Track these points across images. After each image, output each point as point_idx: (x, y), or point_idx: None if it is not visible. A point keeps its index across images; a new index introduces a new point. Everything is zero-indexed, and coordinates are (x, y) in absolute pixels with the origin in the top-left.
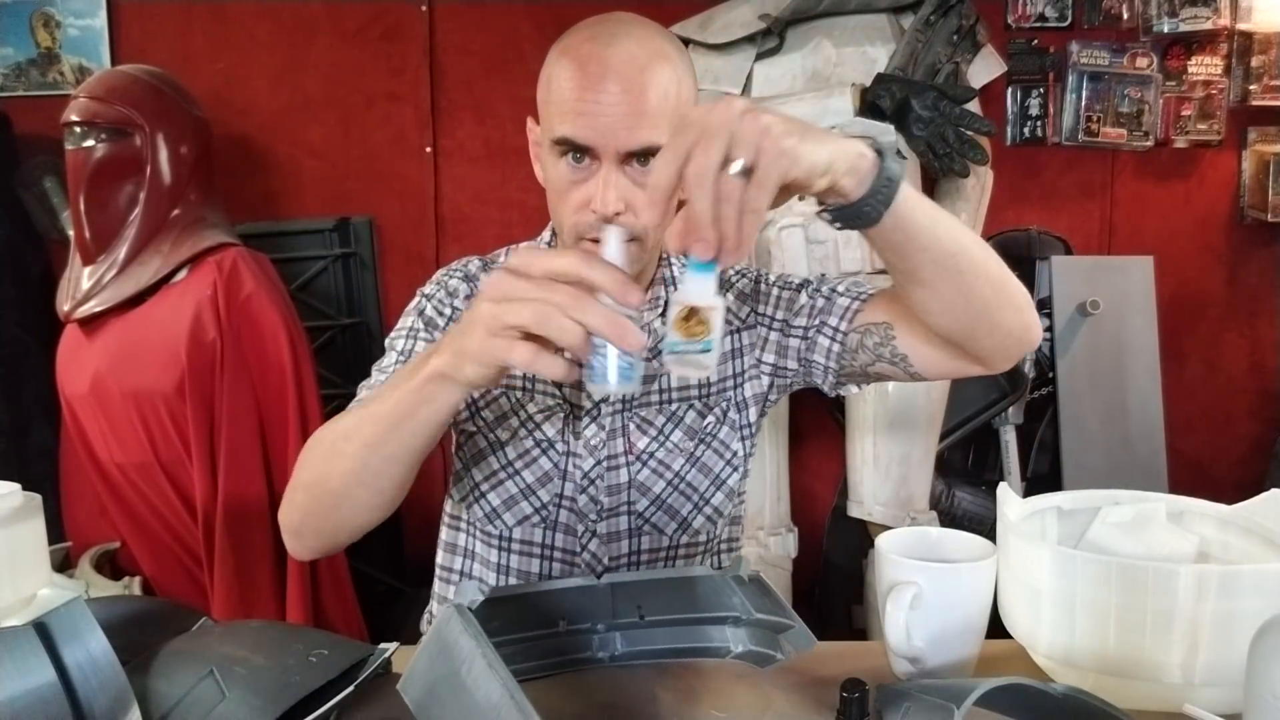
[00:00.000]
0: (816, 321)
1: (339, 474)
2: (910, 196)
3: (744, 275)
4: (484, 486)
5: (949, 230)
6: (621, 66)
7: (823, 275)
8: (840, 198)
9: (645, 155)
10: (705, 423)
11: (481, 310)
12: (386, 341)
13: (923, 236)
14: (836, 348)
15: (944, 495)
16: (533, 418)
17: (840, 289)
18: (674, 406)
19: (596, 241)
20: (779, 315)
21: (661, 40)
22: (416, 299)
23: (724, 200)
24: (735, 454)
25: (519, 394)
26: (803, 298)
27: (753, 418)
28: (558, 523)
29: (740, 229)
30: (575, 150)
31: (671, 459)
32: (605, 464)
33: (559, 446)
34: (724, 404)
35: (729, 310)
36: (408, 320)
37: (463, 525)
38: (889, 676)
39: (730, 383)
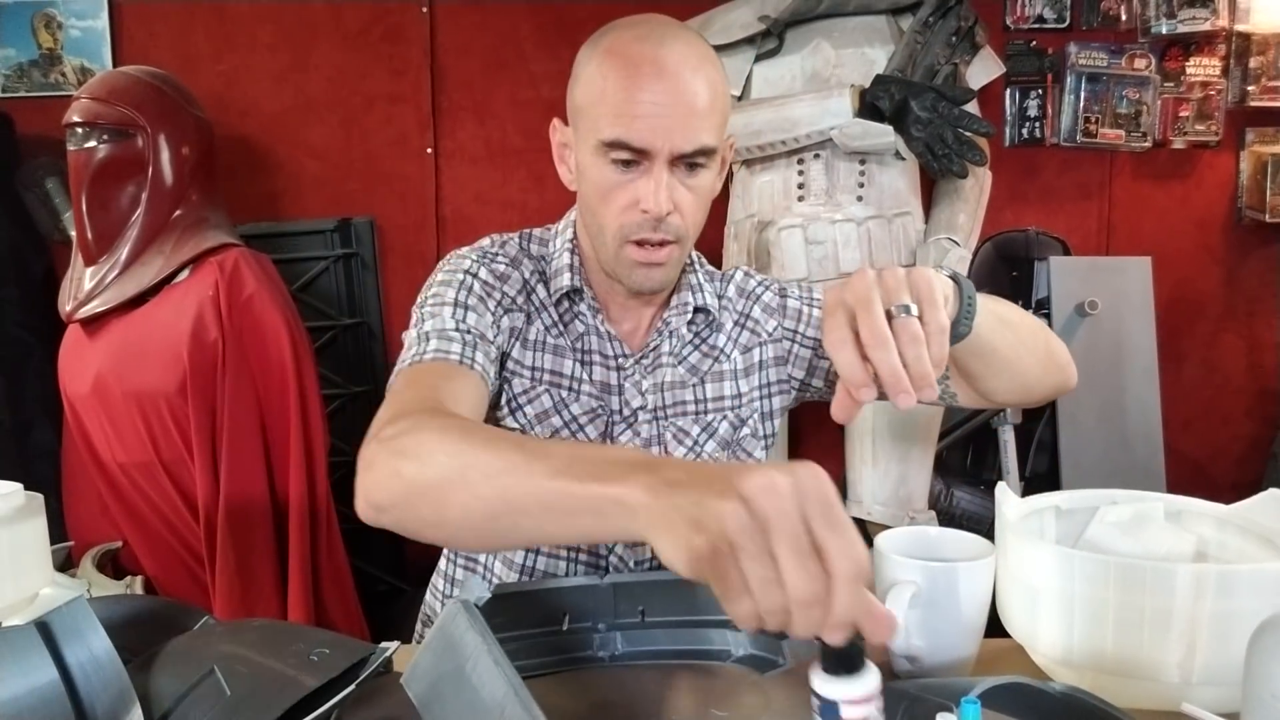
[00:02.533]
0: None
1: (457, 505)
2: (984, 309)
3: (768, 287)
4: None
5: (1011, 335)
6: (676, 67)
7: None
8: None
9: (694, 158)
10: (739, 434)
11: (732, 513)
12: (423, 309)
13: (996, 342)
14: None
15: (943, 495)
16: (577, 419)
17: None
18: (709, 417)
19: (640, 244)
20: (809, 333)
21: (702, 43)
22: (455, 274)
23: (911, 341)
24: (759, 463)
25: (564, 392)
26: None
27: (775, 428)
28: None
29: (931, 359)
30: (627, 152)
31: None
32: None
33: None
34: (754, 416)
35: (755, 321)
36: (449, 292)
37: None
38: (888, 675)
39: (758, 393)
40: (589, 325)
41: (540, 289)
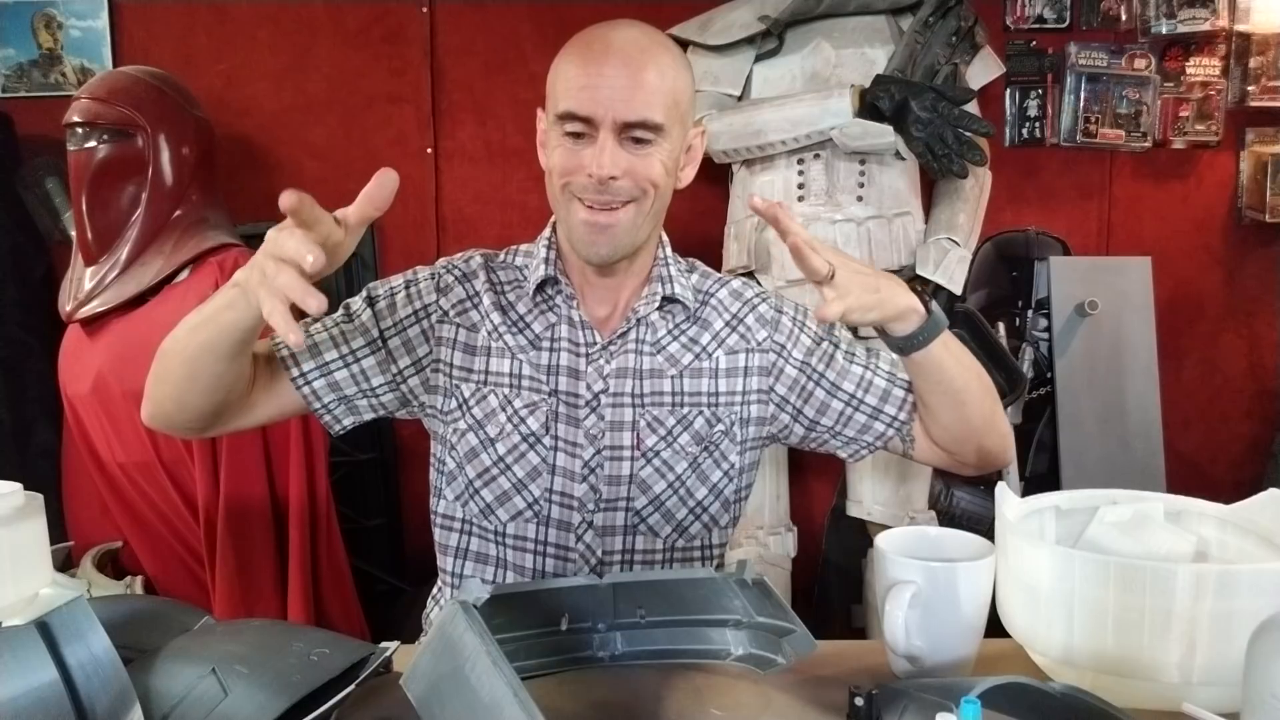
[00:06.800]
0: (873, 404)
1: (174, 379)
2: (944, 341)
3: (765, 299)
4: (478, 484)
5: (962, 372)
6: (623, 46)
7: (850, 336)
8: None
9: (642, 132)
10: (713, 431)
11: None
12: (351, 298)
13: (940, 373)
14: (894, 438)
15: (943, 494)
16: (518, 412)
17: (885, 369)
18: (685, 410)
19: (590, 207)
20: (797, 354)
21: (664, 37)
22: (405, 282)
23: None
24: (733, 466)
25: (506, 390)
26: (854, 367)
27: (750, 435)
28: (550, 518)
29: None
30: (577, 123)
31: (675, 461)
32: (607, 454)
33: (546, 441)
34: (730, 417)
35: (747, 327)
36: (383, 287)
37: (456, 524)
38: (888, 675)
39: (739, 397)
40: (561, 315)
41: (486, 298)
